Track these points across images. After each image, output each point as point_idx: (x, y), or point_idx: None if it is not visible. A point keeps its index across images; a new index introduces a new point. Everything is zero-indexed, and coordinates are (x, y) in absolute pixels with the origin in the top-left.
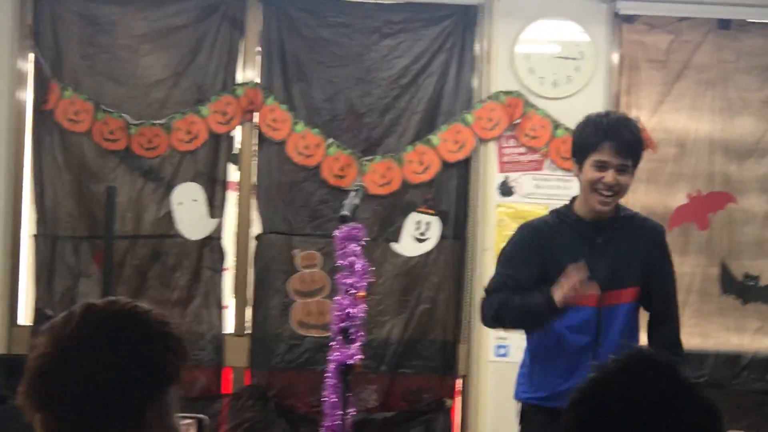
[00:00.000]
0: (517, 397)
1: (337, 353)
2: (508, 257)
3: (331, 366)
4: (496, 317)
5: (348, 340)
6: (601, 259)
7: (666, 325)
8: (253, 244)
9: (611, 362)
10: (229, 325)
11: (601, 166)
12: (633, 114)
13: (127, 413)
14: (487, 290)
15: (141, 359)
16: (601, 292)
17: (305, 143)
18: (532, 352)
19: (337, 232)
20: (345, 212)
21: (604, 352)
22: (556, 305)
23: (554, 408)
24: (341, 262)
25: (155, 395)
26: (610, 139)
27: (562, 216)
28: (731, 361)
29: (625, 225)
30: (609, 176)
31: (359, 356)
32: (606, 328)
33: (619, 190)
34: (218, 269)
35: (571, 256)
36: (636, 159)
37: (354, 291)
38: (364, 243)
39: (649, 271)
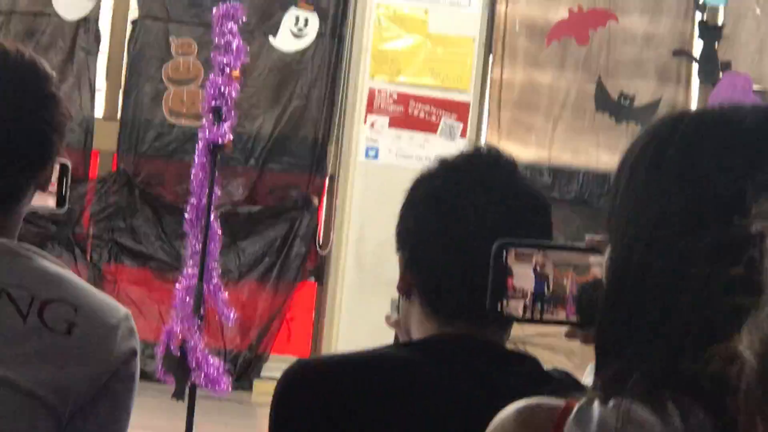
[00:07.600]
0: None
1: (208, 132)
2: None
3: (201, 145)
4: None
5: (219, 119)
6: None
7: None
8: (129, 28)
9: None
10: (99, 109)
11: None
12: None
13: None
14: None
15: None
16: None
17: None
18: None
19: (215, 9)
20: None
21: None
22: None
23: None
24: (217, 39)
25: None
26: None
27: None
28: (600, 179)
29: None
30: None
31: (229, 136)
32: None
33: None
34: (93, 52)
35: None
36: None
37: (228, 70)
38: (241, 22)
39: None
